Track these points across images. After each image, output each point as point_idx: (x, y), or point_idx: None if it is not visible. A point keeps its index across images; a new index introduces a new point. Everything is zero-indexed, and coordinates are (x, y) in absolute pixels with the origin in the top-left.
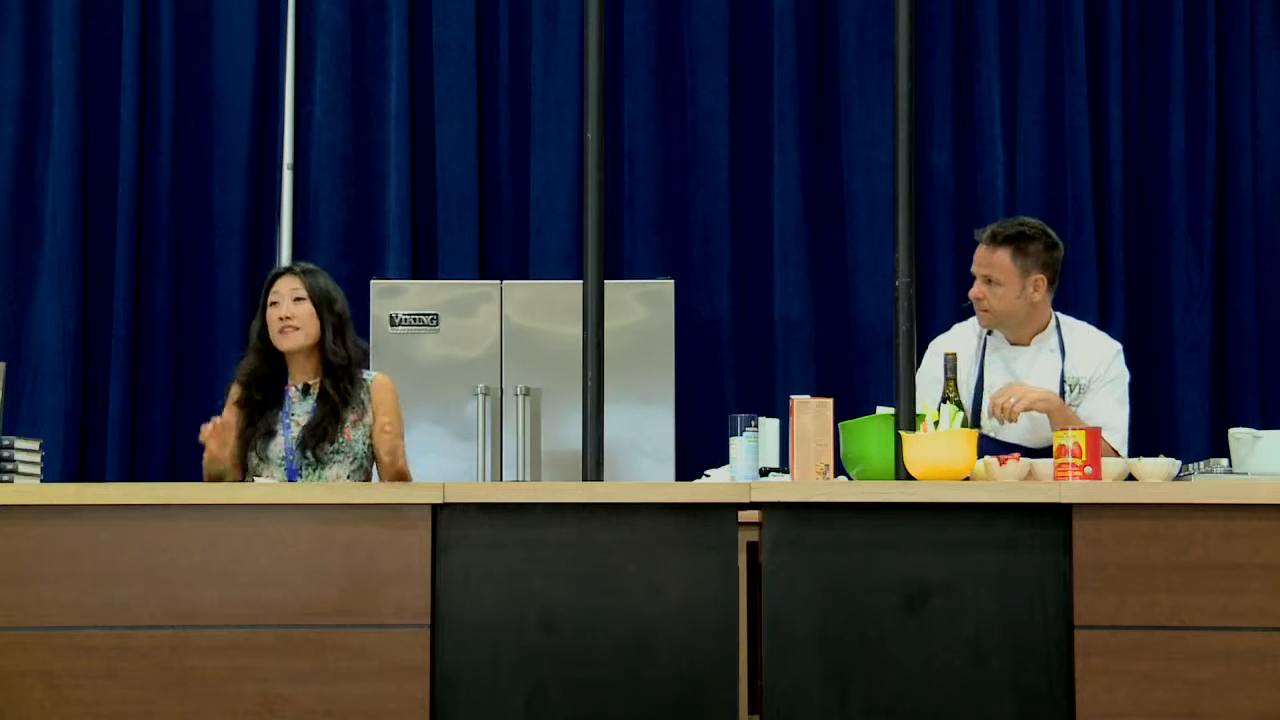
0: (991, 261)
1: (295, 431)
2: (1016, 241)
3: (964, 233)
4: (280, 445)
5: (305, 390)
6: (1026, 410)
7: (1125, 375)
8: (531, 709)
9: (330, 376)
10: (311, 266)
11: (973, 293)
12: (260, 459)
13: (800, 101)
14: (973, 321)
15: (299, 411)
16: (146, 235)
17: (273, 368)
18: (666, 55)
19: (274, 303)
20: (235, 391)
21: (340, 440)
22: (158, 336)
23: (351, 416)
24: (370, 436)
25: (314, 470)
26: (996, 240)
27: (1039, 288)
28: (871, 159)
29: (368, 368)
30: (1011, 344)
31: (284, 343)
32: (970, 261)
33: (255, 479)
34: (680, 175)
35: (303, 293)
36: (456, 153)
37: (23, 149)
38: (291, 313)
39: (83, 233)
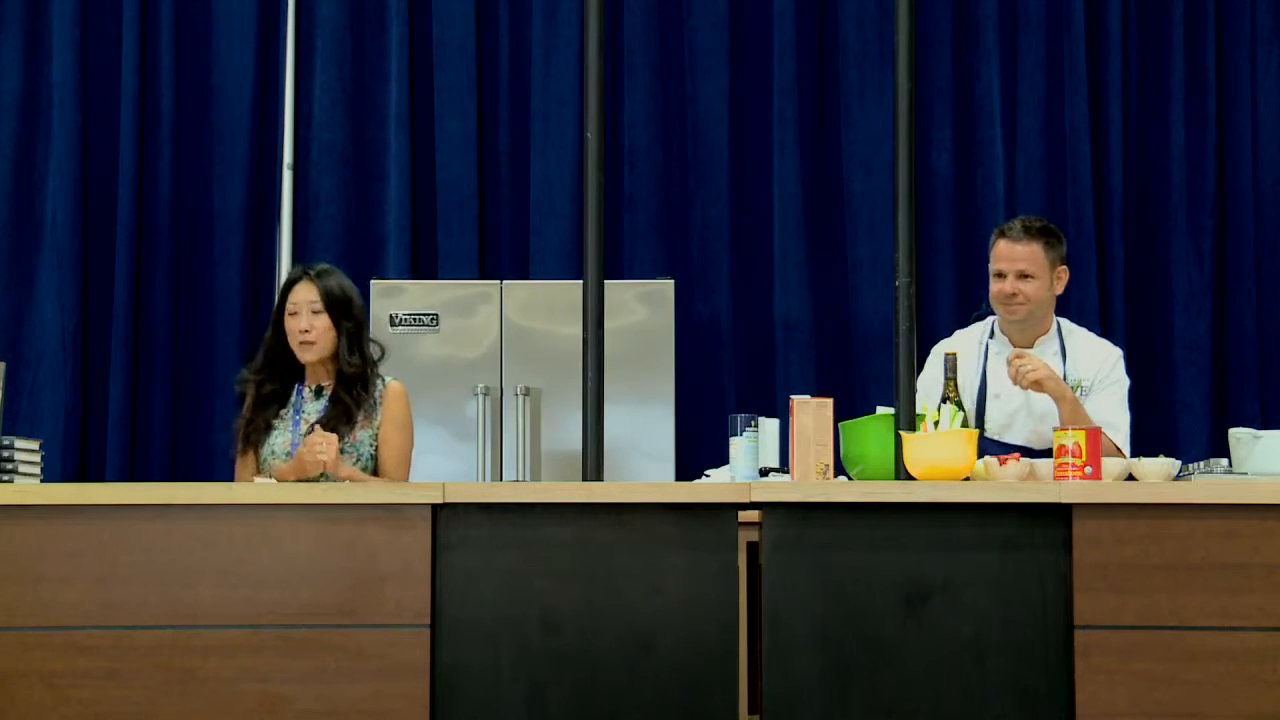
0: (1026, 255)
1: (304, 429)
2: (1046, 235)
3: (964, 233)
4: (278, 442)
5: (319, 391)
6: (1036, 382)
7: (1126, 380)
8: (531, 709)
9: (343, 383)
10: (326, 267)
11: (1005, 289)
12: (261, 458)
13: (800, 101)
14: (974, 328)
15: (310, 411)
16: (146, 235)
17: (286, 368)
18: (666, 55)
19: (293, 313)
20: (251, 390)
21: (346, 440)
22: (158, 336)
23: (360, 417)
24: (377, 439)
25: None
26: (1030, 233)
27: (1061, 279)
28: (871, 159)
29: (380, 374)
30: (1015, 347)
31: (304, 355)
32: (972, 261)
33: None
34: (680, 175)
35: (319, 304)
36: (456, 153)
37: (23, 149)
38: (310, 325)
39: (83, 233)
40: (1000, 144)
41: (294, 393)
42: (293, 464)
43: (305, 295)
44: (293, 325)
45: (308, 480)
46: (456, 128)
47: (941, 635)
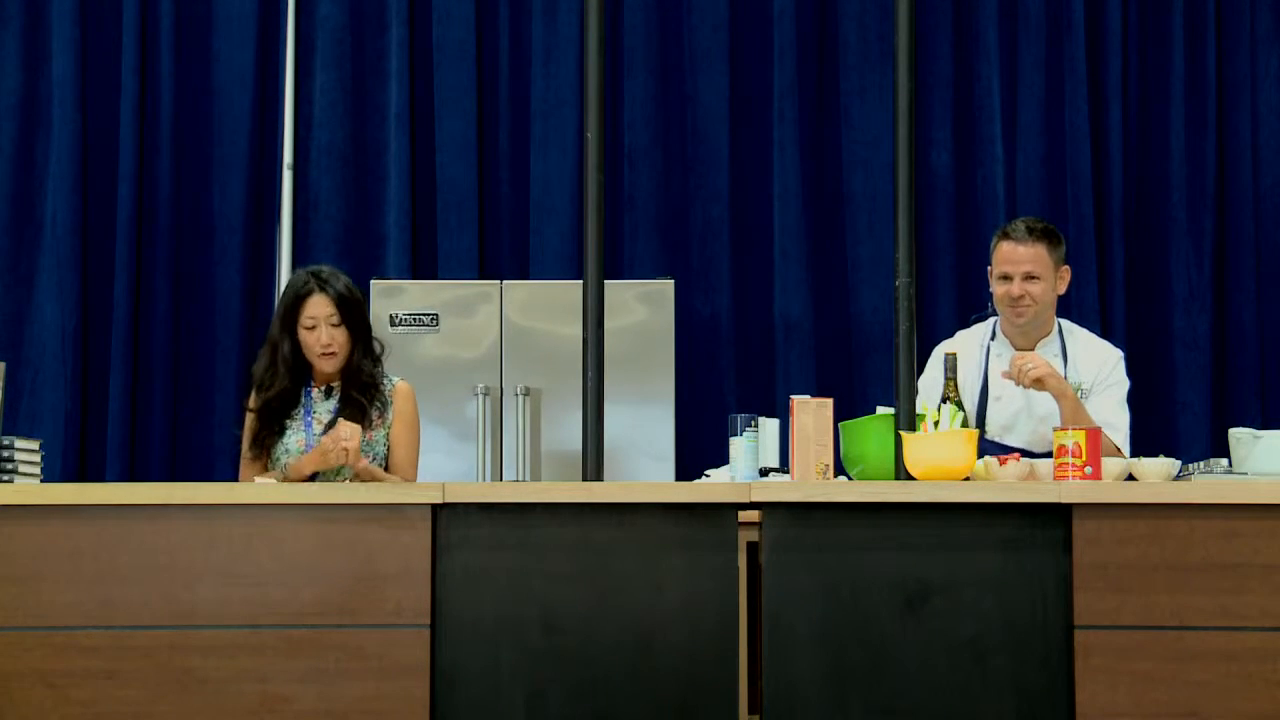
0: (1031, 256)
1: (317, 429)
2: (1048, 236)
3: (964, 233)
4: (293, 441)
5: (328, 391)
6: (1037, 380)
7: (1126, 381)
8: (531, 709)
9: (353, 382)
10: (330, 270)
11: (1012, 291)
12: (273, 456)
13: (800, 101)
14: (976, 329)
15: (321, 410)
16: (146, 235)
17: (296, 379)
18: (666, 55)
19: (310, 327)
20: (256, 401)
21: (363, 439)
22: (158, 336)
23: (374, 416)
24: (389, 440)
25: (334, 471)
26: (1034, 234)
27: (1064, 279)
28: (871, 159)
29: (386, 373)
30: (1016, 349)
31: (326, 367)
32: (972, 261)
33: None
34: (680, 175)
35: (337, 317)
36: (456, 153)
37: (23, 149)
38: (331, 339)
39: (83, 233)
40: (1000, 144)
41: (302, 394)
42: (313, 454)
43: (322, 310)
44: (311, 339)
45: (319, 475)
46: (456, 128)
47: (941, 635)
